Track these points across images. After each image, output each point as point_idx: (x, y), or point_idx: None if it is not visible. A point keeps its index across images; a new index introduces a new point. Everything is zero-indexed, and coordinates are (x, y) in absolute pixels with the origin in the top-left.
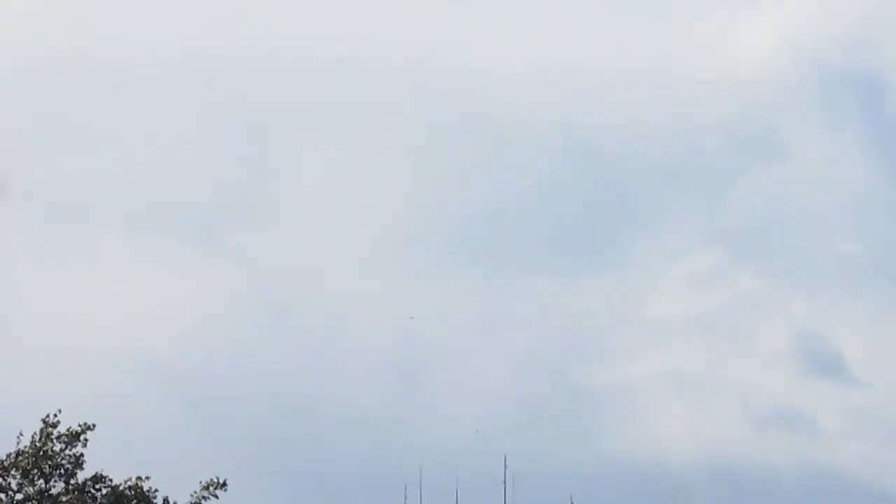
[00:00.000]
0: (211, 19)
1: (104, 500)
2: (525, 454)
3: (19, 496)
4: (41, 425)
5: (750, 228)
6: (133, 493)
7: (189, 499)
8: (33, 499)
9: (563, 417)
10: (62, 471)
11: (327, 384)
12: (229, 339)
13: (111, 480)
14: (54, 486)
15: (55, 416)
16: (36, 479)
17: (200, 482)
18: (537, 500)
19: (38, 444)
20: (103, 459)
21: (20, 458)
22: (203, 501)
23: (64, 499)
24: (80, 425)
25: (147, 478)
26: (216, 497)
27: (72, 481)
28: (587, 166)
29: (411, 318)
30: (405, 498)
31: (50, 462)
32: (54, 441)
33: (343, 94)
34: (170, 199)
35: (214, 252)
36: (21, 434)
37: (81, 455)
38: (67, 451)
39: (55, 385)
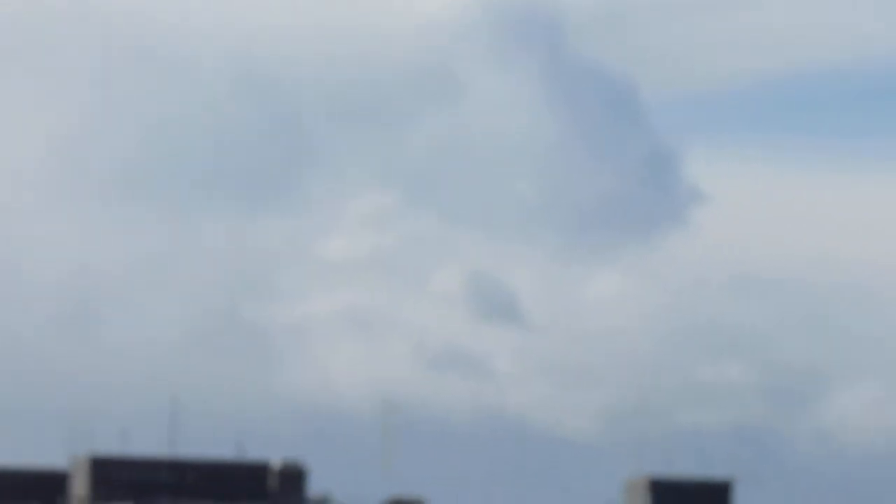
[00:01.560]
0: None
1: None
2: (195, 392)
3: None
4: None
5: (425, 170)
6: None
7: None
8: None
9: (236, 356)
10: None
11: None
12: None
13: None
14: None
15: None
16: None
17: None
18: (207, 437)
19: None
20: None
21: None
22: None
23: None
24: None
25: None
26: None
27: None
28: (261, 104)
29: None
30: (70, 431)
31: None
32: None
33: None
34: None
35: None
36: None
37: None
38: None
39: None
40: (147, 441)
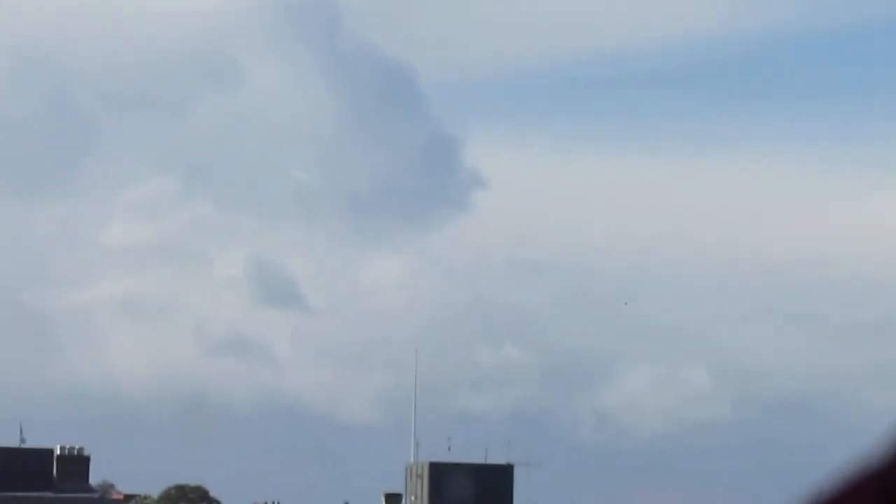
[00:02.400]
0: None
1: None
2: None
3: None
4: None
5: (204, 156)
6: None
7: None
8: None
9: (14, 343)
10: None
11: None
12: None
13: None
14: None
15: None
16: None
17: None
18: None
19: None
20: None
21: None
22: None
23: None
24: None
25: None
26: None
27: None
28: (37, 88)
29: None
30: None
31: None
32: None
33: None
34: None
35: None
36: None
37: None
38: None
39: None
40: None
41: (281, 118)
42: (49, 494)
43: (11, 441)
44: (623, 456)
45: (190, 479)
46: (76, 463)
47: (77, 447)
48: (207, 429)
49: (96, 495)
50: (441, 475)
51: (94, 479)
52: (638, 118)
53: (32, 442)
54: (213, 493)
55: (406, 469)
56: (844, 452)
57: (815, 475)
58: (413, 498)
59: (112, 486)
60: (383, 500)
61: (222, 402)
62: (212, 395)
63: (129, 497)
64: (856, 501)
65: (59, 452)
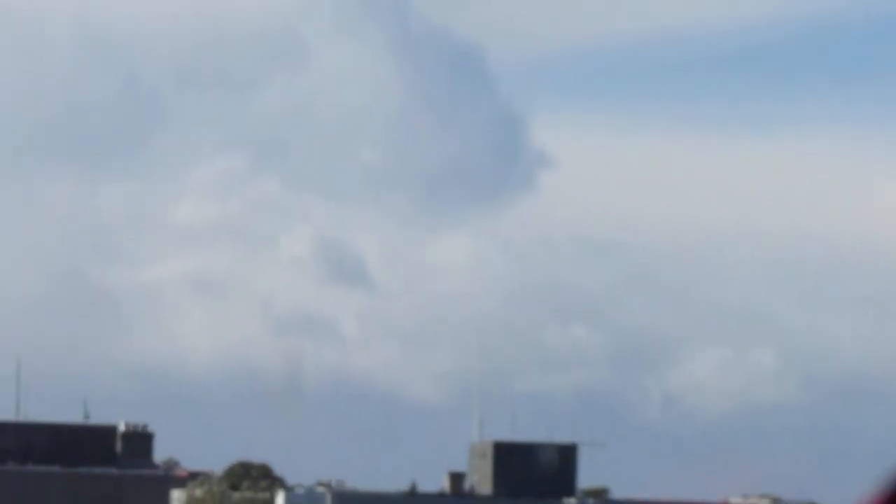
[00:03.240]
0: None
1: None
2: (41, 356)
3: None
4: None
5: (272, 134)
6: None
7: None
8: None
9: (80, 320)
10: None
11: None
12: None
13: None
14: None
15: None
16: None
17: None
18: (53, 401)
19: None
20: None
21: None
22: None
23: None
24: None
25: None
26: None
27: None
28: (106, 66)
29: None
30: None
31: None
32: None
33: None
34: None
35: None
36: None
37: None
38: None
39: None
40: None
41: (350, 98)
42: (113, 471)
43: (76, 418)
44: (688, 437)
45: (255, 457)
46: (140, 440)
47: (141, 424)
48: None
49: (160, 472)
50: (505, 454)
51: (159, 456)
52: (703, 99)
53: (97, 419)
54: (276, 472)
55: (470, 448)
56: None
57: (881, 459)
58: (477, 477)
59: (176, 463)
60: (447, 478)
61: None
62: (277, 373)
63: (193, 474)
64: None
65: (123, 429)
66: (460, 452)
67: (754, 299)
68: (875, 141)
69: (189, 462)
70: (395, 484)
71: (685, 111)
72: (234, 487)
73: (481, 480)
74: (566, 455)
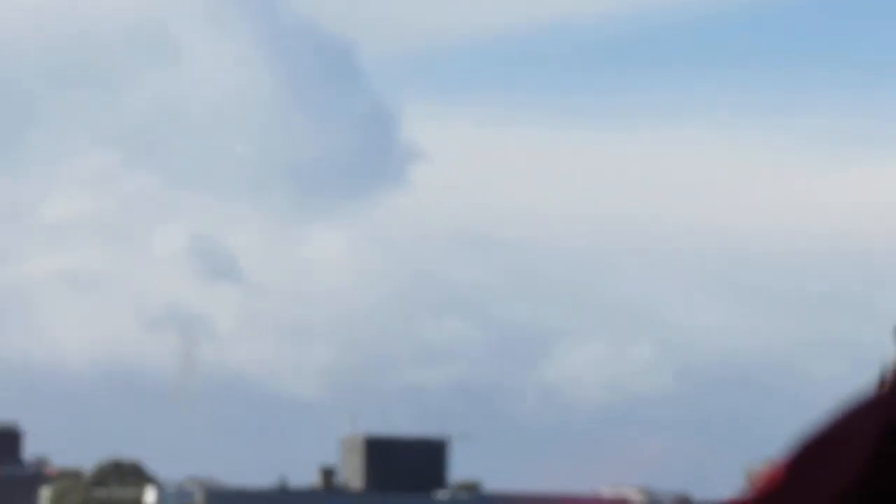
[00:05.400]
0: None
1: None
2: None
3: None
4: None
5: (145, 130)
6: None
7: None
8: None
9: None
10: None
11: None
12: None
13: None
14: None
15: None
16: None
17: None
18: None
19: None
20: None
21: None
22: None
23: None
24: None
25: None
26: None
27: None
28: None
29: None
30: None
31: None
32: None
33: None
34: None
35: None
36: None
37: None
38: None
39: None
40: None
41: (222, 93)
42: None
43: None
44: (564, 430)
45: (127, 454)
46: (8, 438)
47: (10, 423)
48: (144, 403)
49: (29, 471)
50: (376, 449)
51: (28, 454)
52: (577, 91)
53: None
54: (148, 469)
55: (341, 443)
56: (788, 425)
57: (758, 448)
58: (348, 472)
59: (46, 461)
60: (319, 473)
61: (160, 377)
62: (150, 370)
63: (63, 473)
64: (854, 436)
65: None
66: (332, 447)
67: (631, 291)
68: (751, 129)
69: (60, 460)
70: (267, 479)
71: (559, 103)
72: (103, 484)
73: (353, 475)
74: (438, 449)
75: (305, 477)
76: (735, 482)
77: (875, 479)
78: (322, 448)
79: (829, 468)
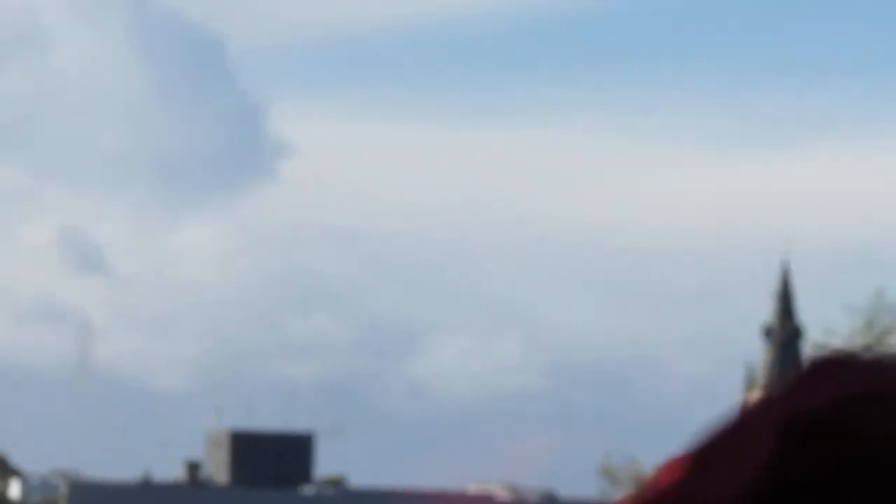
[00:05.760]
0: None
1: None
2: None
3: None
4: None
5: (11, 122)
6: None
7: None
8: None
9: None
10: None
11: None
12: None
13: None
14: None
15: None
16: None
17: None
18: None
19: None
20: None
21: None
22: None
23: None
24: None
25: None
26: None
27: None
28: None
29: None
30: None
31: None
32: None
33: None
34: None
35: None
36: None
37: None
38: None
39: None
40: None
41: (89, 85)
42: None
43: None
44: (432, 426)
45: None
46: None
47: None
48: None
49: None
50: (241, 443)
51: None
52: (446, 87)
53: None
54: (14, 462)
55: (206, 437)
56: (654, 423)
57: (625, 446)
58: (214, 466)
59: None
60: (183, 467)
61: (28, 369)
62: (17, 362)
63: None
64: (751, 436)
65: None
66: (197, 441)
67: (500, 286)
68: (618, 129)
69: None
70: (132, 473)
71: (428, 99)
72: None
73: (218, 470)
74: (304, 444)
75: (170, 471)
76: (598, 480)
77: (773, 480)
78: (187, 442)
79: (727, 468)
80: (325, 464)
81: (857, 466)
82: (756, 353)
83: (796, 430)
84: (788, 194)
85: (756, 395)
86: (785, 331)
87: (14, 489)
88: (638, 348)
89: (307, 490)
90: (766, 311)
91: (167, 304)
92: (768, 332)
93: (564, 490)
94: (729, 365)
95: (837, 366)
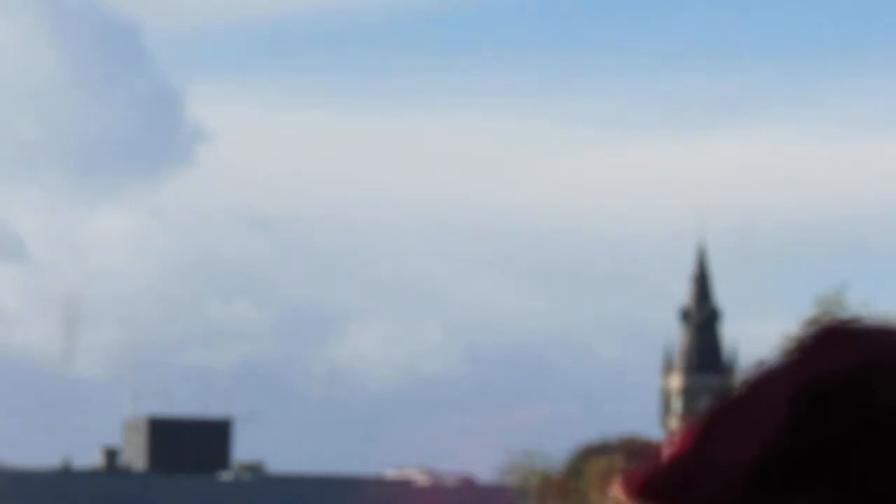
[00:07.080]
0: None
1: None
2: None
3: None
4: None
5: None
6: None
7: None
8: None
9: None
10: None
11: None
12: None
13: None
14: None
15: None
16: None
17: None
18: None
19: None
20: None
21: None
22: None
23: None
24: None
25: None
26: None
27: None
28: None
29: None
30: None
31: None
32: None
33: None
34: None
35: None
36: None
37: None
38: None
39: None
40: None
41: (3, 72)
42: None
43: None
44: (351, 411)
45: None
46: None
47: None
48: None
49: None
50: (159, 429)
51: None
52: (362, 72)
53: None
54: None
55: (124, 423)
56: (574, 404)
57: (544, 431)
58: (132, 453)
59: None
60: (102, 454)
61: None
62: None
63: None
64: (765, 402)
65: None
66: (115, 428)
67: (419, 270)
68: (533, 114)
69: None
70: (50, 460)
71: (345, 84)
72: None
73: (136, 456)
74: (222, 429)
75: (88, 458)
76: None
77: (786, 446)
78: (105, 429)
79: (740, 434)
80: (243, 449)
81: (870, 432)
82: (674, 334)
83: (809, 396)
84: (704, 176)
85: (674, 377)
86: (702, 313)
87: None
88: (557, 330)
89: (225, 476)
90: (682, 293)
91: (83, 291)
92: (685, 315)
93: (483, 474)
94: (647, 347)
95: (847, 332)
